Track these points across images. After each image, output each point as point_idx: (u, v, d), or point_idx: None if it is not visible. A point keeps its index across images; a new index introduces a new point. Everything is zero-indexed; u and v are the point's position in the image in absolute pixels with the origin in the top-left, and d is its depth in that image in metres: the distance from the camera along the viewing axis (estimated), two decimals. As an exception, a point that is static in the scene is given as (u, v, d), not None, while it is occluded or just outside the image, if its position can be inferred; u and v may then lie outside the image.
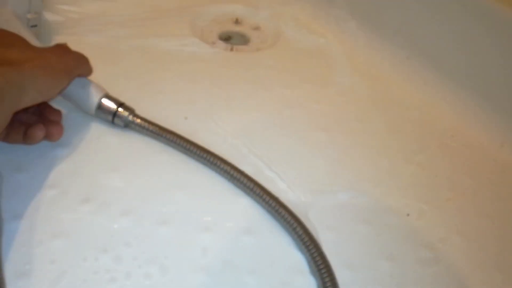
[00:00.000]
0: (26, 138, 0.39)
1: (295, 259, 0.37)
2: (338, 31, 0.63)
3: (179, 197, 0.40)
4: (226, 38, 0.63)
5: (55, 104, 0.42)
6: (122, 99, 0.44)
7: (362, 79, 0.56)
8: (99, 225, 0.37)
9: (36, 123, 0.40)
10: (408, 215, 0.41)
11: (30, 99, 0.35)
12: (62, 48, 0.40)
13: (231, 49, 0.60)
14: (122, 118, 0.44)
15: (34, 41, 0.42)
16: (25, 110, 0.36)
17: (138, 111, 0.45)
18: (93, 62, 0.42)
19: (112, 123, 0.44)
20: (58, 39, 0.53)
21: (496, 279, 0.38)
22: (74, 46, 0.41)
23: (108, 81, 0.45)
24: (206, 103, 0.50)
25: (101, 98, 0.43)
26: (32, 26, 0.49)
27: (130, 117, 0.44)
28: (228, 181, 0.41)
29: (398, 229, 0.40)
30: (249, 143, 0.46)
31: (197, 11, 0.64)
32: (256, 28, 0.65)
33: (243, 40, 0.63)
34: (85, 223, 0.37)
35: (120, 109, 0.44)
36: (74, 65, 0.40)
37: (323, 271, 0.35)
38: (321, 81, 0.55)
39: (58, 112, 0.42)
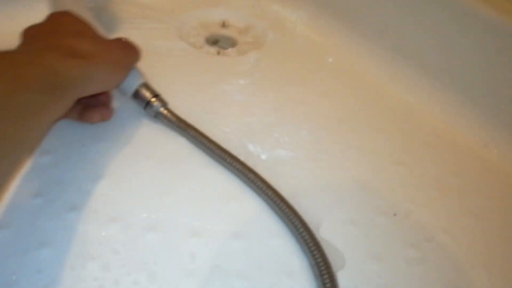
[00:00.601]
0: (83, 118, 0.43)
1: (287, 262, 0.37)
2: (325, 33, 0.63)
3: (167, 202, 0.40)
4: (214, 41, 0.63)
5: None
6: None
7: (347, 79, 0.57)
8: (86, 233, 0.37)
9: (91, 103, 0.44)
10: (395, 214, 0.42)
11: (94, 89, 0.39)
12: (124, 43, 0.43)
13: (218, 53, 0.60)
14: (153, 108, 0.45)
15: (100, 30, 0.43)
16: None
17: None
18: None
19: (144, 110, 0.46)
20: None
21: (483, 278, 0.38)
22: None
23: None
24: (191, 107, 0.49)
25: (140, 85, 0.45)
26: None
27: (161, 109, 0.45)
28: (239, 179, 0.42)
29: (385, 229, 0.41)
30: (235, 144, 0.46)
31: (184, 15, 0.64)
32: (243, 31, 0.65)
33: (230, 43, 0.63)
34: (72, 231, 0.37)
35: (153, 99, 0.45)
36: (134, 59, 0.44)
37: (325, 276, 0.35)
38: (307, 82, 0.56)
39: (109, 95, 0.46)
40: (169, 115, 0.45)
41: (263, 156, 0.45)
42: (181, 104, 0.49)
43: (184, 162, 0.44)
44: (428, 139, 0.50)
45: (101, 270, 0.35)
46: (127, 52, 0.42)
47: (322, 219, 0.40)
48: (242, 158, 0.43)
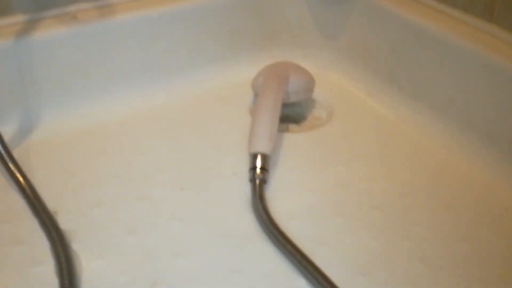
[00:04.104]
0: None
1: None
2: (392, 107, 0.65)
3: (237, 280, 0.43)
4: (283, 118, 0.67)
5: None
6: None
7: (415, 153, 0.58)
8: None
9: None
10: (459, 293, 0.42)
11: None
12: None
13: (287, 129, 0.64)
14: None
15: None
16: None
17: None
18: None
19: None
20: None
21: None
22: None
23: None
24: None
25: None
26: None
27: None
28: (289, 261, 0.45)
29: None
30: (302, 223, 0.49)
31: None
32: (312, 106, 0.68)
33: (298, 119, 0.67)
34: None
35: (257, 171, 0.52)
36: None
37: None
38: (374, 157, 0.58)
39: None
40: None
41: (326, 235, 0.48)
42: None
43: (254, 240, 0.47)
44: (496, 213, 0.50)
45: None
46: None
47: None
48: (302, 235, 0.46)
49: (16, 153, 0.54)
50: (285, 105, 0.65)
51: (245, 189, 0.52)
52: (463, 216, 0.50)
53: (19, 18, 0.61)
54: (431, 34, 0.59)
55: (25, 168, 0.53)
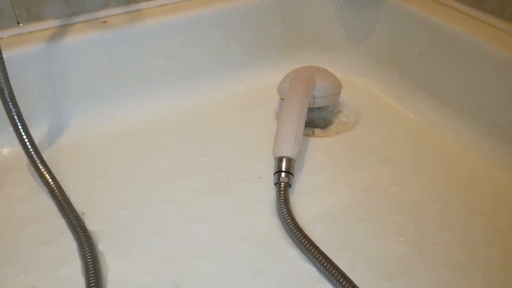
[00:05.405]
0: None
1: None
2: (420, 111, 0.64)
3: (260, 283, 0.43)
4: (309, 123, 0.67)
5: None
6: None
7: (442, 159, 0.57)
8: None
9: None
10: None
11: None
12: None
13: (312, 134, 0.63)
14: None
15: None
16: None
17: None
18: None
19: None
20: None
21: None
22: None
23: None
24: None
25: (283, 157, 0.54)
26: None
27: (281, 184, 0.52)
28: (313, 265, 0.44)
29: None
30: (326, 227, 0.48)
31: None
32: (338, 111, 0.68)
33: (324, 123, 0.67)
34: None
35: (282, 175, 0.52)
36: None
37: None
38: (400, 162, 0.57)
39: None
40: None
41: (352, 239, 0.47)
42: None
43: (278, 244, 0.47)
44: (525, 219, 0.48)
45: None
46: None
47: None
48: (327, 240, 0.46)
49: (45, 155, 0.55)
50: (311, 110, 0.66)
51: (270, 192, 0.52)
52: (490, 221, 0.49)
53: (51, 23, 0.62)
54: (459, 38, 0.58)
55: (54, 170, 0.54)
